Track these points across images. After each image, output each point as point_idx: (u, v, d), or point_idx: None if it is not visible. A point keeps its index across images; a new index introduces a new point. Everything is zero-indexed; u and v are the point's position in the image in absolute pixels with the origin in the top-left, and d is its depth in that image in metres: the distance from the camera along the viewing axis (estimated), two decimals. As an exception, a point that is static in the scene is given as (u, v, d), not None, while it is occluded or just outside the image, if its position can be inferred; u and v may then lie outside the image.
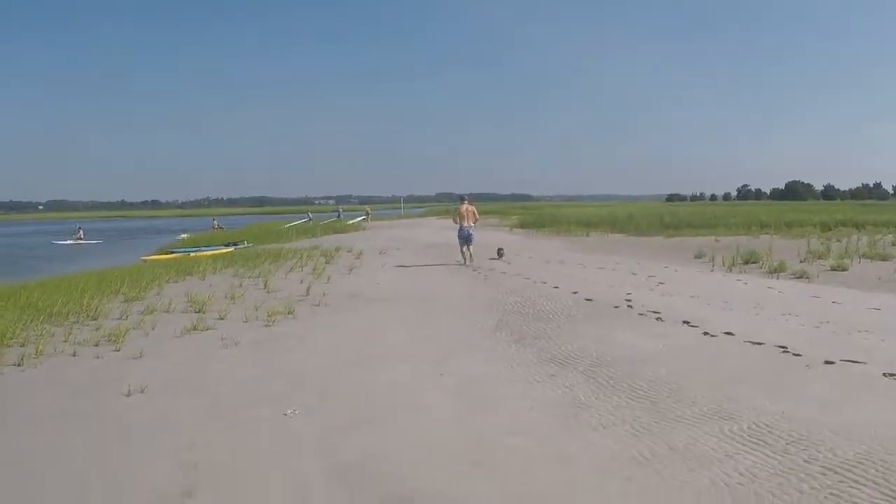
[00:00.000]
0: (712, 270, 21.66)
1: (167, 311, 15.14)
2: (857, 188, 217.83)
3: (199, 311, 14.95)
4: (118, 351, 11.34)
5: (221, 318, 14.09)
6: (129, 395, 8.73)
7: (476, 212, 25.92)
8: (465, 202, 25.83)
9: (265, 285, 18.85)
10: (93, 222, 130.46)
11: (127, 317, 14.47)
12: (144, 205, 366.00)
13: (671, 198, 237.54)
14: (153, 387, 9.05)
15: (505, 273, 21.21)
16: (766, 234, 38.05)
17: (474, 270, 22.74)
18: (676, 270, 21.67)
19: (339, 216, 77.76)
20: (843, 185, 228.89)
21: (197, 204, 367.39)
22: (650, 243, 35.32)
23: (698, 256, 26.03)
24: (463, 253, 25.08)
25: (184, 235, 60.85)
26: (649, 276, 19.62)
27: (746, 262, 23.04)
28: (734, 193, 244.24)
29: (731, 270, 21.72)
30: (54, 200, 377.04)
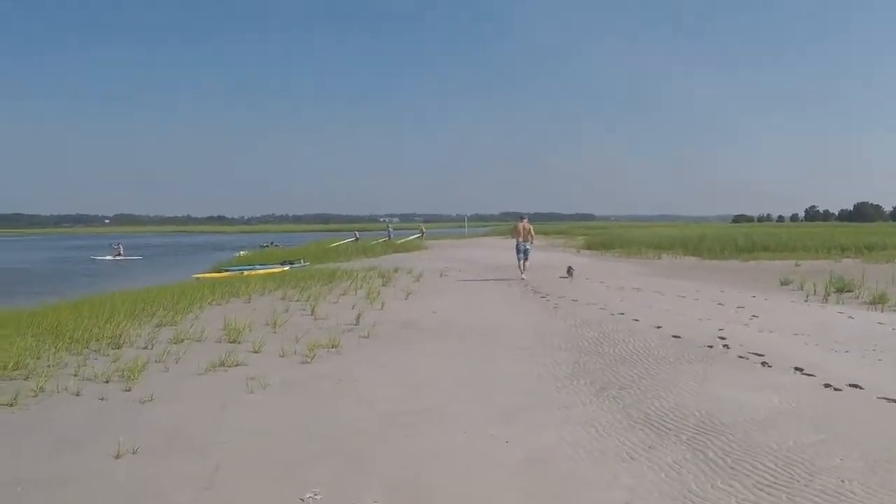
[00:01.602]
0: (807, 301, 19.45)
1: (198, 340, 13.57)
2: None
3: (233, 341, 13.40)
4: (129, 391, 9.76)
5: (256, 351, 12.46)
6: (118, 456, 7.08)
7: (532, 230, 28.57)
8: (524, 220, 28.42)
9: (312, 311, 17.13)
10: (153, 237, 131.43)
11: (152, 346, 12.96)
12: (210, 220, 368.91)
13: (738, 218, 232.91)
14: (149, 445, 7.41)
15: (577, 301, 19.16)
16: (848, 257, 36.10)
17: (527, 286, 23.69)
18: (766, 300, 19.49)
19: (389, 236, 74.69)
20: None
21: (262, 220, 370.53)
22: (726, 267, 33.37)
23: (784, 283, 23.89)
24: (520, 267, 27.52)
25: (242, 252, 60.01)
26: (738, 307, 17.48)
27: (840, 291, 20.89)
28: (801, 214, 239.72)
29: (826, 301, 19.53)
30: (121, 214, 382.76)
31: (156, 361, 11.58)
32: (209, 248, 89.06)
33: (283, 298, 20.11)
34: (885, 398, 8.72)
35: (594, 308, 17.68)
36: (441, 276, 28.56)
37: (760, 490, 5.97)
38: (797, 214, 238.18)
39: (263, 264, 40.27)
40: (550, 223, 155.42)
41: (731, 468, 6.48)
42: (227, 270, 37.47)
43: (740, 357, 11.40)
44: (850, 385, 9.37)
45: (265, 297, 20.56)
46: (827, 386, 9.39)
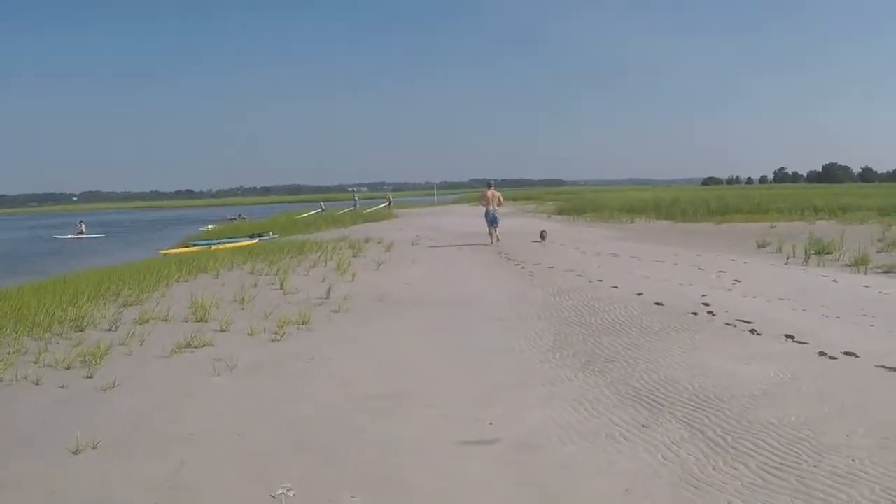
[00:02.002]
0: (787, 263, 19.07)
1: (164, 320, 13.01)
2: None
3: (200, 320, 12.86)
4: (90, 378, 9.22)
5: (223, 330, 11.94)
6: (76, 452, 6.60)
7: (501, 197, 28.95)
8: (491, 188, 28.87)
9: (282, 285, 16.61)
10: (120, 213, 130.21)
11: (117, 327, 12.39)
12: (178, 194, 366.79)
13: (708, 181, 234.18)
14: (110, 438, 6.92)
15: (553, 268, 18.70)
16: (822, 219, 35.80)
17: (500, 254, 23.50)
18: (746, 263, 19.11)
19: (355, 205, 74.04)
20: (880, 167, 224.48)
21: (231, 193, 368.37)
22: (701, 230, 32.98)
23: (762, 246, 23.52)
24: (490, 234, 27.95)
25: (209, 226, 59.28)
26: (719, 272, 17.07)
27: (819, 253, 20.54)
28: (770, 176, 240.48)
29: (807, 263, 19.17)
30: (89, 192, 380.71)
31: (119, 344, 11.03)
32: (176, 222, 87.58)
33: (251, 273, 19.58)
34: (883, 366, 8.33)
35: (571, 275, 17.25)
36: (412, 245, 28.19)
37: (767, 472, 5.55)
38: (766, 176, 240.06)
39: (232, 237, 39.55)
40: (520, 189, 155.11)
41: (733, 448, 6.05)
42: (194, 245, 36.80)
43: (727, 325, 11.00)
44: (846, 353, 8.98)
45: (234, 272, 20.02)
46: (822, 354, 9.00)
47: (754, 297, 13.42)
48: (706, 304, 12.61)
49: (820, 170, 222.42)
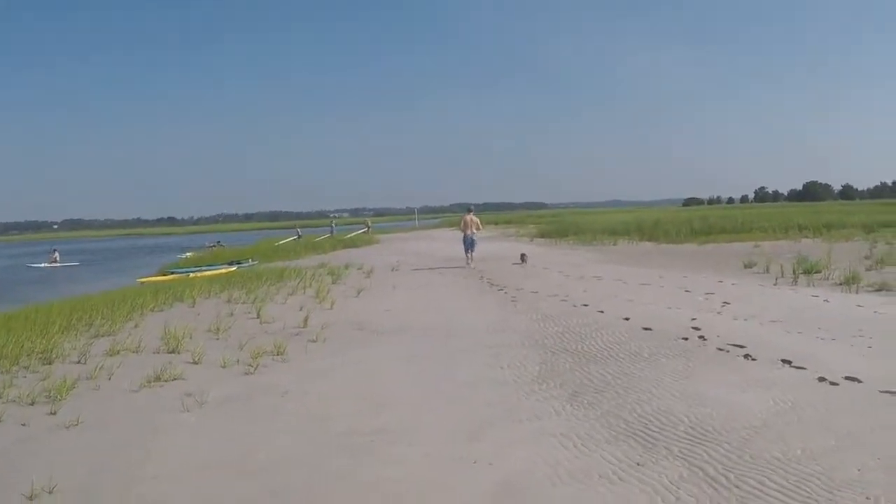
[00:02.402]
0: (776, 284, 18.72)
1: (135, 351, 12.49)
2: (876, 186, 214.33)
3: (172, 351, 12.37)
4: (54, 414, 8.73)
5: (195, 363, 11.45)
6: (31, 497, 6.17)
7: (479, 222, 30.76)
8: (471, 213, 30.14)
9: (258, 314, 16.09)
10: (99, 241, 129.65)
11: (86, 360, 11.84)
12: (160, 222, 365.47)
13: (688, 202, 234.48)
14: (69, 483, 6.47)
15: (536, 293, 18.28)
16: (807, 237, 35.70)
17: (482, 279, 23.16)
18: (734, 284, 18.79)
19: (332, 232, 72.75)
20: (860, 184, 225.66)
21: (212, 220, 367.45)
22: (685, 252, 32.82)
23: (748, 266, 23.29)
24: (466, 256, 29.15)
25: (188, 254, 58.80)
26: (707, 294, 16.73)
27: (807, 272, 20.21)
28: (751, 196, 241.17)
29: (796, 283, 18.82)
30: (70, 220, 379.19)
31: (87, 378, 10.52)
32: (156, 250, 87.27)
33: (228, 301, 19.05)
34: (888, 391, 7.97)
35: (555, 300, 16.84)
36: (393, 270, 27.66)
37: (776, 516, 5.12)
38: (747, 196, 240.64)
39: (211, 265, 39.25)
40: (501, 213, 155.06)
41: (737, 487, 5.63)
42: (172, 273, 36.50)
43: (720, 350, 10.62)
44: (847, 378, 8.62)
45: (210, 301, 19.48)
46: (822, 380, 8.63)
47: (745, 320, 13.09)
48: (696, 329, 12.24)
49: (801, 188, 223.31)
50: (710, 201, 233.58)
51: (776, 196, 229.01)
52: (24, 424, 8.36)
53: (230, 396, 9.28)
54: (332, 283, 22.88)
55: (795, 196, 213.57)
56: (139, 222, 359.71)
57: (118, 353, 12.32)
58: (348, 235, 65.32)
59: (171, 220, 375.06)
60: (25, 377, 10.77)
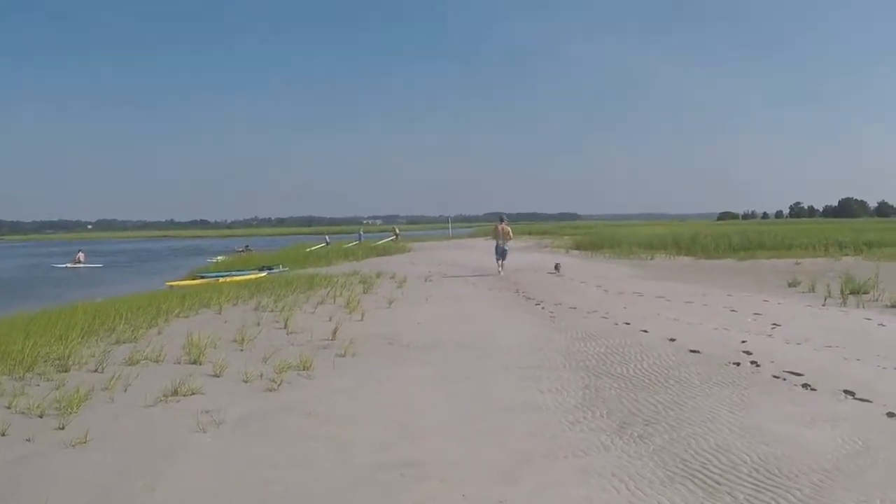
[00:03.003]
0: (825, 305, 17.92)
1: (156, 361, 11.90)
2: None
3: (193, 362, 11.74)
4: (62, 429, 8.14)
5: (217, 375, 10.84)
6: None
7: (511, 231, 31.37)
8: (503, 223, 30.96)
9: (286, 324, 15.51)
10: (129, 242, 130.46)
11: (103, 368, 11.23)
12: (193, 224, 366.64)
13: (723, 216, 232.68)
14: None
15: (576, 309, 17.57)
16: (847, 255, 34.87)
17: (518, 293, 22.42)
18: (780, 304, 18.00)
19: (359, 239, 72.64)
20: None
21: (245, 223, 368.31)
22: (724, 267, 32.14)
23: (792, 285, 22.49)
24: (497, 265, 29.94)
25: (218, 258, 58.48)
26: (755, 314, 15.97)
27: (855, 293, 19.40)
28: (786, 211, 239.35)
29: (845, 304, 18.01)
30: (104, 220, 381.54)
31: (102, 389, 9.93)
32: (185, 252, 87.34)
33: (256, 309, 18.51)
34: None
35: (595, 317, 16.15)
36: (426, 280, 27.01)
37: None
38: (781, 211, 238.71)
39: (241, 270, 38.85)
40: (535, 223, 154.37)
41: (819, 548, 4.92)
42: (202, 277, 36.16)
43: (776, 377, 9.86)
44: (920, 414, 7.85)
45: (238, 308, 18.97)
46: (891, 415, 7.87)
47: (799, 344, 12.31)
48: (748, 353, 11.48)
49: (836, 204, 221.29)
50: (745, 216, 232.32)
51: (811, 212, 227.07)
52: (28, 440, 7.80)
53: (249, 416, 8.65)
54: (364, 292, 22.32)
55: (831, 212, 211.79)
56: (172, 224, 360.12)
57: (138, 362, 11.75)
58: (377, 243, 64.82)
59: (204, 223, 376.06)
60: (38, 385, 10.24)
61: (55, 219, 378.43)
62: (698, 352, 11.69)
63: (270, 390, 9.96)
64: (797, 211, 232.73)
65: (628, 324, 14.91)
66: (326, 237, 76.87)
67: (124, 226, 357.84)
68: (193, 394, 9.68)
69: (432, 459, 6.98)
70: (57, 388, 9.86)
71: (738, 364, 10.71)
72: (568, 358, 11.73)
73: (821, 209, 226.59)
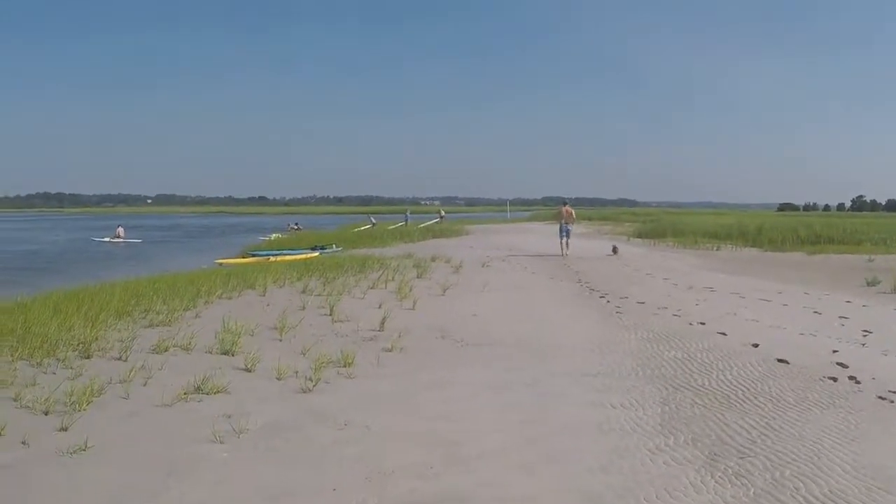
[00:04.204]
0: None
1: (186, 349, 10.88)
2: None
3: (225, 352, 10.71)
4: (64, 431, 7.17)
5: (248, 370, 9.82)
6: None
7: (574, 213, 33.47)
8: (567, 205, 33.15)
9: (331, 310, 14.40)
10: (185, 217, 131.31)
11: (127, 356, 10.18)
12: (251, 201, 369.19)
13: (783, 207, 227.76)
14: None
15: (643, 304, 16.25)
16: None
17: (581, 283, 21.34)
18: (865, 306, 16.46)
19: (406, 220, 72.70)
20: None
21: (303, 201, 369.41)
22: (793, 261, 30.41)
23: (871, 283, 20.91)
24: (561, 244, 31.55)
25: (273, 235, 57.88)
26: (841, 318, 14.54)
27: (944, 296, 17.91)
28: (847, 204, 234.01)
29: (940, 309, 16.46)
30: (163, 195, 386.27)
31: (120, 381, 8.90)
32: (240, 230, 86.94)
33: (303, 291, 17.44)
34: None
35: (667, 315, 14.81)
36: (483, 266, 25.67)
37: None
38: (843, 203, 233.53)
39: (293, 249, 38.01)
40: (594, 208, 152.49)
41: None
42: (253, 255, 35.59)
43: (881, 399, 8.51)
44: None
45: (283, 290, 17.90)
46: None
47: (901, 357, 10.90)
48: (843, 366, 10.11)
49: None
50: (806, 207, 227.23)
51: (874, 205, 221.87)
52: (24, 442, 6.82)
53: (276, 425, 7.53)
54: (417, 276, 21.18)
55: (894, 206, 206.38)
56: (230, 200, 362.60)
57: (166, 349, 10.73)
58: (421, 225, 63.74)
59: (262, 200, 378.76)
60: (55, 374, 9.28)
61: (115, 192, 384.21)
62: (786, 362, 10.34)
63: (304, 391, 8.88)
64: (859, 204, 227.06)
65: (703, 324, 13.59)
66: (372, 218, 76.65)
67: (183, 201, 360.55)
68: (218, 392, 8.68)
69: (482, 495, 5.77)
70: (73, 379, 8.94)
71: (834, 379, 9.37)
72: (641, 364, 10.42)
73: (883, 202, 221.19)
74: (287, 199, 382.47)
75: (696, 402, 8.36)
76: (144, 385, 8.89)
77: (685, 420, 7.70)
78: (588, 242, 39.42)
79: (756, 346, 11.48)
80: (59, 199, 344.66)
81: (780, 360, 10.40)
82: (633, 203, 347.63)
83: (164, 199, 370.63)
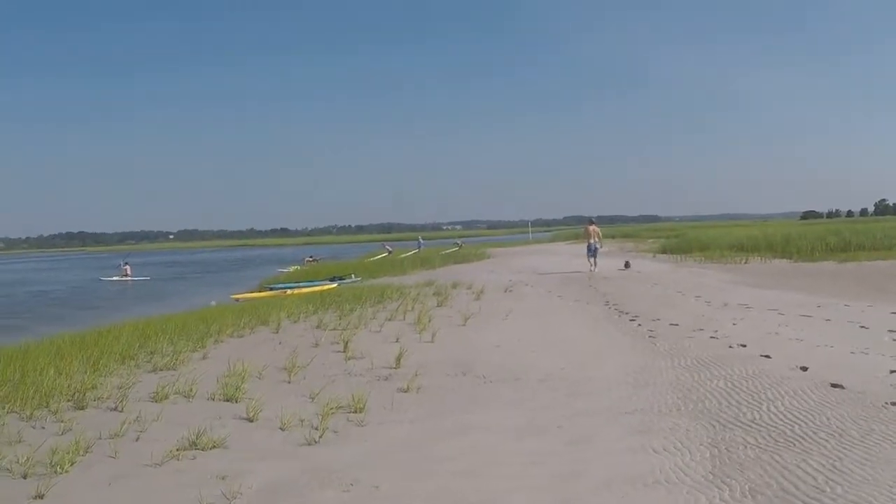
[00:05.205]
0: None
1: (187, 396, 10.06)
2: None
3: (228, 399, 9.88)
4: (40, 498, 6.37)
5: (250, 419, 8.98)
6: None
7: (600, 232, 35.09)
8: (593, 224, 34.86)
9: (345, 346, 13.52)
10: (205, 252, 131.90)
11: (123, 406, 9.37)
12: (273, 232, 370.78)
13: (807, 215, 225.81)
14: None
15: (677, 326, 15.26)
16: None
17: (609, 306, 20.20)
18: (915, 319, 15.55)
19: (419, 246, 73.30)
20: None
21: (325, 231, 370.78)
22: (826, 271, 29.92)
23: (915, 293, 20.03)
24: (589, 261, 33.39)
25: (292, 268, 57.53)
26: (891, 332, 13.54)
27: None
28: (870, 209, 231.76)
29: None
30: (185, 230, 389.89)
31: (110, 437, 8.08)
32: (259, 263, 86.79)
33: (318, 326, 16.61)
34: None
35: (703, 337, 13.81)
36: (506, 291, 24.79)
37: None
38: (866, 209, 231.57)
39: (311, 281, 37.56)
40: (616, 226, 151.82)
41: None
42: (270, 289, 35.06)
43: (959, 434, 7.51)
44: None
45: (298, 325, 17.10)
46: None
47: (965, 377, 9.88)
48: (906, 392, 9.10)
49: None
50: (829, 214, 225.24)
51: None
52: (-12, 516, 5.98)
53: (274, 486, 6.66)
54: (438, 305, 20.38)
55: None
56: (252, 233, 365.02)
57: (166, 397, 9.93)
58: (442, 252, 63.21)
59: (284, 231, 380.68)
60: (44, 428, 8.51)
61: (137, 230, 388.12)
62: (842, 386, 9.31)
63: (309, 444, 8.02)
64: (882, 208, 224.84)
65: (744, 346, 12.59)
66: (387, 245, 76.74)
67: (204, 235, 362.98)
68: (214, 447, 7.84)
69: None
70: (61, 434, 8.18)
71: (899, 405, 8.39)
72: (681, 397, 9.39)
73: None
74: (309, 229, 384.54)
75: (749, 442, 7.32)
76: (137, 440, 8.11)
77: (739, 465, 6.67)
78: (612, 261, 38.62)
79: (805, 369, 10.46)
80: (82, 239, 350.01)
81: (834, 385, 9.38)
82: (655, 218, 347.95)
83: (186, 235, 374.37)
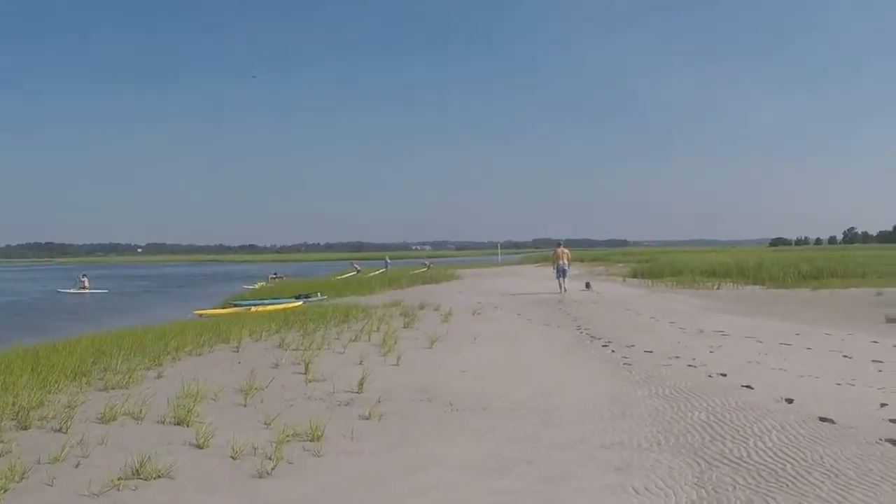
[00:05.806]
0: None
1: (136, 418, 9.43)
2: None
3: (179, 423, 9.26)
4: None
5: (200, 446, 8.36)
6: None
7: (569, 253, 36.89)
8: (561, 246, 36.15)
9: (307, 368, 12.92)
10: (169, 266, 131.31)
11: (67, 427, 8.78)
12: (242, 249, 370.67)
13: (776, 242, 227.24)
14: None
15: (652, 353, 14.71)
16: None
17: (581, 331, 19.63)
18: (896, 347, 15.16)
19: (386, 266, 75.77)
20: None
21: (294, 248, 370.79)
22: (800, 298, 29.97)
23: (893, 320, 19.70)
24: (559, 283, 34.48)
25: (258, 284, 57.09)
26: (874, 361, 13.09)
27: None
28: (839, 237, 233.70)
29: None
30: (154, 243, 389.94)
31: (50, 461, 7.52)
32: (226, 278, 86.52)
33: (279, 345, 16.00)
34: None
35: (680, 366, 13.24)
36: (474, 314, 24.23)
37: None
38: (835, 237, 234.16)
39: (276, 298, 36.99)
40: (584, 250, 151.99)
41: None
42: (234, 305, 34.54)
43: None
44: None
45: (259, 344, 16.47)
46: None
47: (956, 411, 9.37)
48: (896, 423, 8.58)
49: (891, 229, 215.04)
50: (798, 241, 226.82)
51: (865, 237, 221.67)
52: None
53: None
54: (404, 326, 19.80)
55: (886, 238, 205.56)
56: (221, 248, 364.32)
57: (114, 418, 9.31)
58: (410, 273, 63.08)
59: (253, 248, 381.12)
60: (-22, 456, 7.74)
61: (106, 242, 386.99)
62: (832, 421, 8.73)
63: (261, 475, 7.43)
64: (851, 236, 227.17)
65: (724, 375, 12.03)
66: (356, 264, 77.09)
67: (173, 249, 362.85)
68: (159, 477, 7.27)
69: None
70: (1, 456, 7.60)
71: (894, 442, 7.83)
72: (661, 430, 8.78)
73: (875, 234, 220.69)
74: (278, 246, 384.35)
75: (738, 482, 6.70)
76: (77, 466, 7.52)
77: (728, 510, 6.11)
78: (580, 284, 38.37)
79: (790, 401, 9.88)
80: (50, 249, 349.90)
81: (822, 419, 8.81)
82: (625, 243, 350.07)
83: (154, 248, 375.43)
